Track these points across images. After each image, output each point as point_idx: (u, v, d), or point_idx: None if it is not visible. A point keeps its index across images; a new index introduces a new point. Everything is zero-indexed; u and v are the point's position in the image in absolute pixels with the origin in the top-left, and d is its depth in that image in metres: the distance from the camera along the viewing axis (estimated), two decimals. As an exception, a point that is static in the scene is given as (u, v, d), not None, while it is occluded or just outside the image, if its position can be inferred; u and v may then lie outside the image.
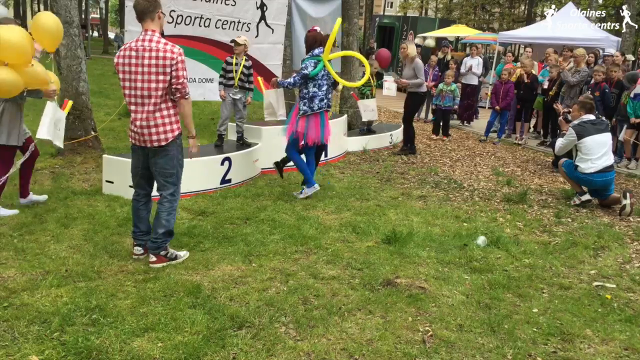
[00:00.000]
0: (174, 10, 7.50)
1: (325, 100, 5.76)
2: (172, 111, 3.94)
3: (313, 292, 3.77)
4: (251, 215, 5.32)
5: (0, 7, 5.45)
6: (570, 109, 6.91)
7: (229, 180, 6.29)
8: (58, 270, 3.86)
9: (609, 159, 6.26)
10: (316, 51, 5.64)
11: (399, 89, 10.35)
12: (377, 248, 4.68)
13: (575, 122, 6.40)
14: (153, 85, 3.81)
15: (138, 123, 3.89)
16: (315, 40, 5.68)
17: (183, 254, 4.21)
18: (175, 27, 7.54)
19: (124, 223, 4.86)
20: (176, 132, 3.96)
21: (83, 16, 32.46)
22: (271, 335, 3.19)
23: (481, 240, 4.92)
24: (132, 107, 3.92)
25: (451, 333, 3.35)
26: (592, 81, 8.83)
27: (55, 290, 3.55)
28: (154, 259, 4.05)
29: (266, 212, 5.41)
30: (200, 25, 7.78)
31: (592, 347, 3.32)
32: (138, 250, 4.20)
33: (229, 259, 4.27)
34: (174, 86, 3.85)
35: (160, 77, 3.80)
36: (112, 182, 5.64)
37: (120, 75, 3.90)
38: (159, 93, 3.84)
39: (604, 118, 6.85)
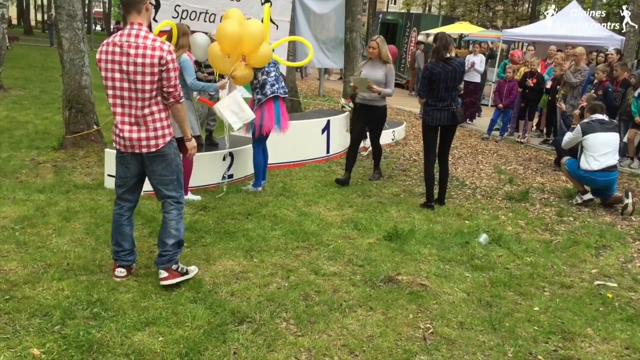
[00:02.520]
0: (179, 5, 7.48)
1: (277, 85, 5.82)
2: (163, 114, 3.53)
3: (314, 288, 3.77)
4: (253, 210, 5.32)
5: (202, 35, 6.01)
6: (579, 107, 6.93)
7: (231, 176, 6.29)
8: (60, 263, 3.87)
9: (613, 159, 6.25)
10: None
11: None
12: (378, 245, 4.68)
13: (585, 120, 6.49)
14: (140, 86, 3.38)
15: (127, 127, 3.49)
16: None
17: (193, 268, 3.83)
18: (179, 22, 7.52)
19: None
20: (168, 136, 3.57)
21: (86, 10, 32.45)
22: (272, 330, 3.20)
23: (483, 238, 4.92)
24: (118, 110, 3.48)
25: (452, 330, 3.36)
26: (595, 80, 8.80)
27: (57, 283, 3.55)
28: (165, 274, 3.62)
29: (268, 208, 5.41)
30: (205, 21, 7.77)
31: (593, 345, 3.31)
32: (121, 272, 3.72)
33: (230, 254, 4.27)
34: (165, 89, 3.45)
35: (148, 78, 3.37)
36: (114, 176, 5.61)
37: (103, 74, 3.43)
38: (147, 95, 3.42)
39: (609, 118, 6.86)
